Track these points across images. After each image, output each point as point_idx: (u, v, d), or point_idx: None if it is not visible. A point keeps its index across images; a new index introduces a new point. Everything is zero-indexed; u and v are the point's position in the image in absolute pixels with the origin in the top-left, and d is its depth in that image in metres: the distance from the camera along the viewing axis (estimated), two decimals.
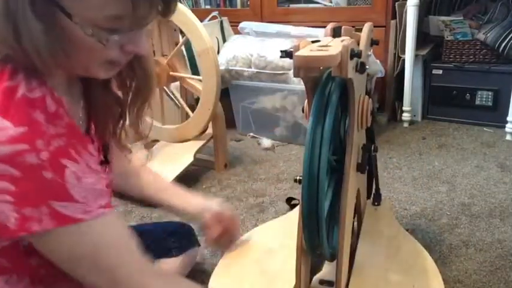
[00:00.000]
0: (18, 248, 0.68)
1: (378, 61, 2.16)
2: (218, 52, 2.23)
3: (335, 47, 0.75)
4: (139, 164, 1.02)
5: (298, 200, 1.49)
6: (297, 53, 0.73)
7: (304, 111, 0.93)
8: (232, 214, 1.07)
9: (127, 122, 0.81)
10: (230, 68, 2.17)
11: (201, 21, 1.73)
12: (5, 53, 0.59)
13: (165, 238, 1.06)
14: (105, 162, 0.79)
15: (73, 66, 0.64)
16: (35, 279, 0.72)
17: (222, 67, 2.13)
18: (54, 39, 0.58)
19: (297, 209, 1.25)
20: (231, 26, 2.47)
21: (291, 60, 0.75)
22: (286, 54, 0.82)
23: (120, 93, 0.78)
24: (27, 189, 0.57)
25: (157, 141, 1.95)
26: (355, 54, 0.76)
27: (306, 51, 0.73)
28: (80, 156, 0.63)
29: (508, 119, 2.07)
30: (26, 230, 0.59)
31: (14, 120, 0.57)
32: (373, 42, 1.02)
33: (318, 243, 0.86)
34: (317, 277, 1.03)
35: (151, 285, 0.72)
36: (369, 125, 0.94)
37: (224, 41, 2.38)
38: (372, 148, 1.02)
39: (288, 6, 2.53)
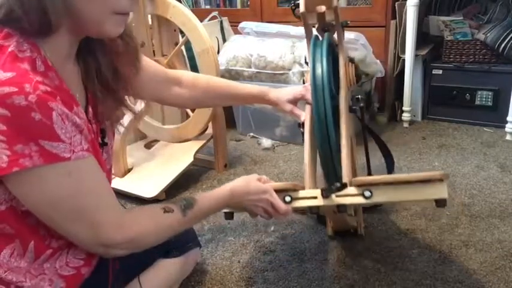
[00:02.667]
0: (17, 212, 0.70)
1: (378, 61, 2.16)
2: (218, 52, 2.23)
3: None
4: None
5: None
6: None
7: (306, 59, 1.21)
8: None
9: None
10: (230, 68, 2.17)
11: (201, 21, 1.73)
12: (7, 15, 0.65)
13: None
14: (103, 144, 0.83)
15: (86, 23, 0.69)
16: (39, 244, 0.74)
17: (222, 67, 2.13)
18: None
19: None
20: (231, 26, 2.47)
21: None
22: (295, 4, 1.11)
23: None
24: (17, 128, 0.61)
25: (157, 141, 1.95)
26: None
27: None
28: (66, 105, 0.66)
29: (508, 119, 2.07)
30: (19, 166, 0.62)
31: (2, 67, 0.62)
32: (344, 23, 1.20)
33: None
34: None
35: (127, 227, 0.74)
36: (354, 84, 1.16)
37: (224, 41, 2.38)
38: (360, 97, 1.19)
39: (288, 6, 2.53)
